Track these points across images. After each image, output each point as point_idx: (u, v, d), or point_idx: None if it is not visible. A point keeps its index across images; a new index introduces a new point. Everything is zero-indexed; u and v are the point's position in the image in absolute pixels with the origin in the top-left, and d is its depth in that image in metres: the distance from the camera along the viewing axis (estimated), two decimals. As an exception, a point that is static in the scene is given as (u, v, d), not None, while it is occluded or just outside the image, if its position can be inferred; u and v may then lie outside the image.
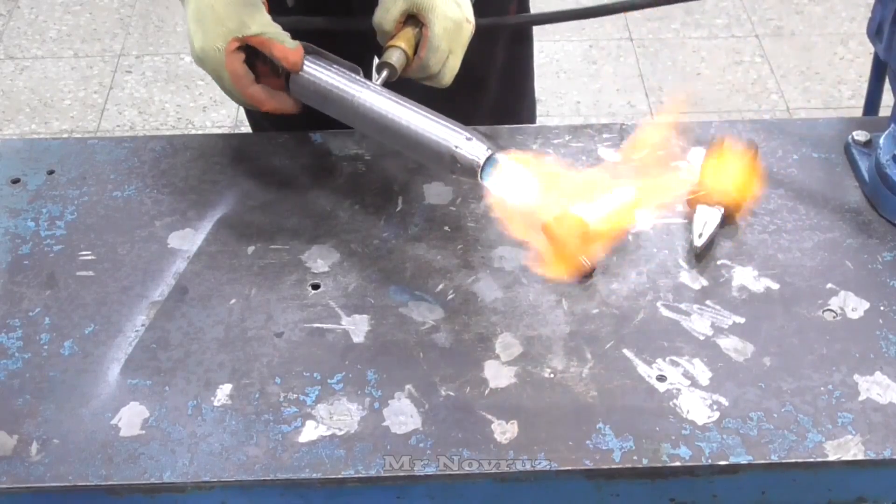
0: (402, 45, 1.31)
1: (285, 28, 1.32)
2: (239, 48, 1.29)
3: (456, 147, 1.16)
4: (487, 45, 1.41)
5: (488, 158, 1.16)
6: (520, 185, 1.16)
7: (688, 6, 3.49)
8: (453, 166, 1.17)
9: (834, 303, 1.24)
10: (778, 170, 1.42)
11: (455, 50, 1.31)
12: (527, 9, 1.70)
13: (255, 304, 1.25)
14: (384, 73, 1.30)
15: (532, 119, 1.83)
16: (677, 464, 1.08)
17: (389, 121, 1.22)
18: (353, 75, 1.29)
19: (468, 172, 1.16)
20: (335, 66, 1.30)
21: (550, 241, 1.29)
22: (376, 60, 1.34)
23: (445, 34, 1.29)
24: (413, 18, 1.32)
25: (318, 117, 1.51)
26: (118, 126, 3.17)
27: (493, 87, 1.63)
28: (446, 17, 1.29)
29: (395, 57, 1.30)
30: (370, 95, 1.25)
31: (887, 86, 1.70)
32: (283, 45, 1.29)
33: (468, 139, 1.17)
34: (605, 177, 1.23)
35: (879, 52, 1.60)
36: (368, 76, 1.34)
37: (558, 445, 1.09)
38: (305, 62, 1.30)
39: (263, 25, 1.29)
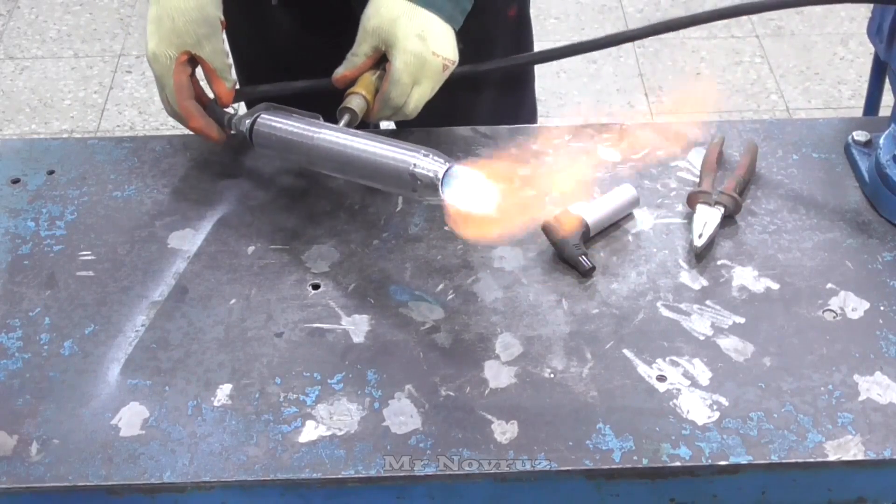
0: (362, 91, 1.35)
1: (262, 95, 1.41)
2: (187, 61, 1.35)
3: (413, 165, 1.17)
4: (487, 47, 1.41)
5: (447, 172, 1.16)
6: (481, 194, 1.16)
7: (688, 6, 3.49)
8: (414, 184, 1.17)
9: (834, 303, 1.24)
10: (778, 170, 1.42)
11: (421, 81, 1.34)
12: (526, 12, 1.69)
13: (255, 304, 1.25)
14: (345, 118, 1.34)
15: (533, 121, 1.83)
16: (677, 464, 1.08)
17: (347, 154, 1.24)
18: (312, 120, 1.32)
19: (429, 189, 1.16)
20: (294, 115, 1.33)
21: (550, 240, 1.29)
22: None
23: (406, 68, 1.32)
24: (378, 63, 1.36)
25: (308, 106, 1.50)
26: (118, 126, 3.17)
27: (493, 89, 1.63)
28: (407, 52, 1.32)
29: (355, 102, 1.34)
30: (328, 134, 1.27)
31: (887, 86, 1.70)
32: (222, 80, 1.37)
33: (425, 155, 1.17)
34: (563, 173, 1.23)
35: (879, 52, 1.60)
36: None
37: (558, 445, 1.09)
38: (263, 116, 1.33)
39: (214, 53, 1.36)
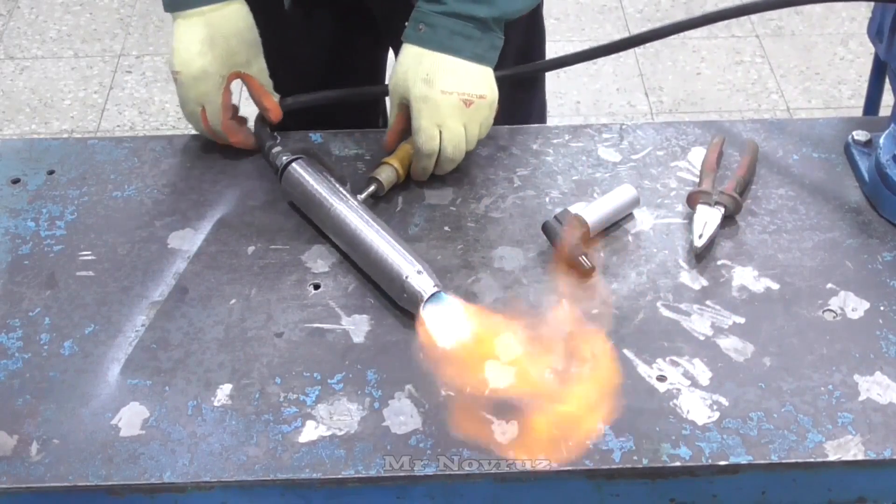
0: (394, 162, 1.39)
1: (304, 106, 1.47)
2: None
3: (406, 277, 1.22)
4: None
5: (433, 294, 1.21)
6: (454, 325, 1.21)
7: (688, 7, 3.49)
8: (401, 294, 1.22)
9: (834, 303, 1.24)
10: (778, 170, 1.42)
11: (444, 123, 1.34)
12: (538, 10, 1.69)
13: (255, 304, 1.25)
14: (371, 188, 1.37)
15: (542, 119, 1.83)
16: (677, 464, 1.08)
17: (357, 238, 1.28)
18: (338, 186, 1.34)
19: (412, 302, 1.21)
20: (325, 172, 1.36)
21: (550, 240, 1.29)
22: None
23: (420, 115, 1.34)
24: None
25: (319, 119, 1.51)
26: (118, 126, 3.16)
27: (504, 86, 1.63)
28: (417, 99, 1.34)
29: (384, 174, 1.38)
30: (345, 210, 1.30)
31: (887, 86, 1.70)
32: (271, 95, 1.43)
33: (419, 272, 1.22)
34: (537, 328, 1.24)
35: (879, 52, 1.60)
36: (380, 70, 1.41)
37: (558, 445, 1.09)
38: (297, 164, 1.36)
39: (261, 71, 1.41)
